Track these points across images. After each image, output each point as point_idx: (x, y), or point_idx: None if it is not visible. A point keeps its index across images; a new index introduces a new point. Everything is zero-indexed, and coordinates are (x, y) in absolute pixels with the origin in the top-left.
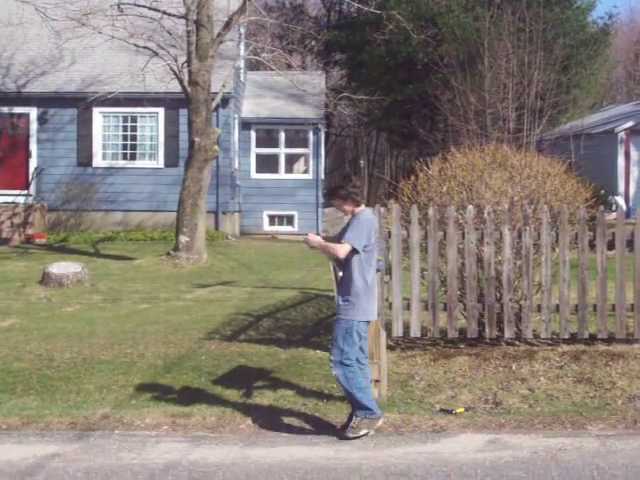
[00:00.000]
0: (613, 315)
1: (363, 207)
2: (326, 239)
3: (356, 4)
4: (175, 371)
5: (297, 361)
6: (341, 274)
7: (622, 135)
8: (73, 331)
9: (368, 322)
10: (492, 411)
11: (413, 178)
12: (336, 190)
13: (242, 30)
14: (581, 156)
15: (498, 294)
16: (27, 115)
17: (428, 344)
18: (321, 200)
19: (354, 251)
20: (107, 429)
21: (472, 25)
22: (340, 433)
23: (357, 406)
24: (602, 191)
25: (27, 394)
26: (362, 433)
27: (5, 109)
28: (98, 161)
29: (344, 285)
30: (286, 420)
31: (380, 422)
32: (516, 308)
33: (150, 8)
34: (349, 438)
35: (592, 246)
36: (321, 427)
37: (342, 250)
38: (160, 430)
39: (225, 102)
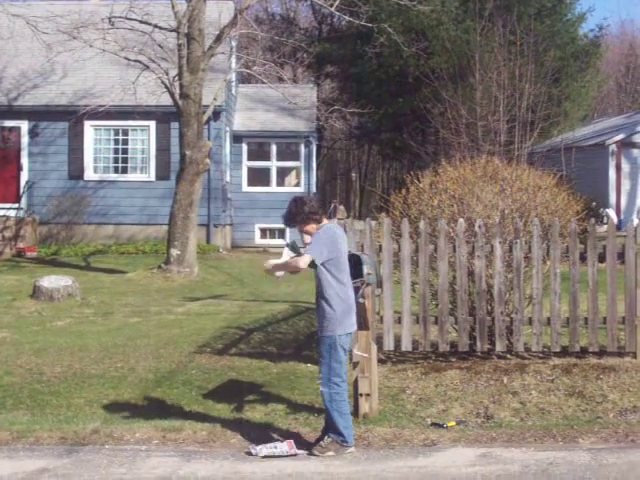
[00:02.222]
0: (604, 328)
1: (325, 221)
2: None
3: (347, 17)
4: (166, 385)
5: (288, 375)
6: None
7: (613, 148)
8: (64, 345)
9: (350, 334)
10: (483, 425)
11: (404, 191)
12: (293, 217)
13: (233, 43)
14: (572, 169)
15: (489, 307)
16: (18, 128)
17: (419, 358)
18: None
19: (313, 265)
20: (97, 444)
21: (462, 38)
22: (311, 448)
23: (332, 429)
24: (593, 204)
25: (17, 408)
26: (328, 454)
27: None
28: (89, 174)
29: (319, 302)
30: (277, 434)
31: (349, 450)
32: (507, 321)
33: (141, 21)
34: (315, 455)
35: (583, 259)
36: (312, 441)
37: (302, 261)
38: (150, 444)
39: (216, 115)
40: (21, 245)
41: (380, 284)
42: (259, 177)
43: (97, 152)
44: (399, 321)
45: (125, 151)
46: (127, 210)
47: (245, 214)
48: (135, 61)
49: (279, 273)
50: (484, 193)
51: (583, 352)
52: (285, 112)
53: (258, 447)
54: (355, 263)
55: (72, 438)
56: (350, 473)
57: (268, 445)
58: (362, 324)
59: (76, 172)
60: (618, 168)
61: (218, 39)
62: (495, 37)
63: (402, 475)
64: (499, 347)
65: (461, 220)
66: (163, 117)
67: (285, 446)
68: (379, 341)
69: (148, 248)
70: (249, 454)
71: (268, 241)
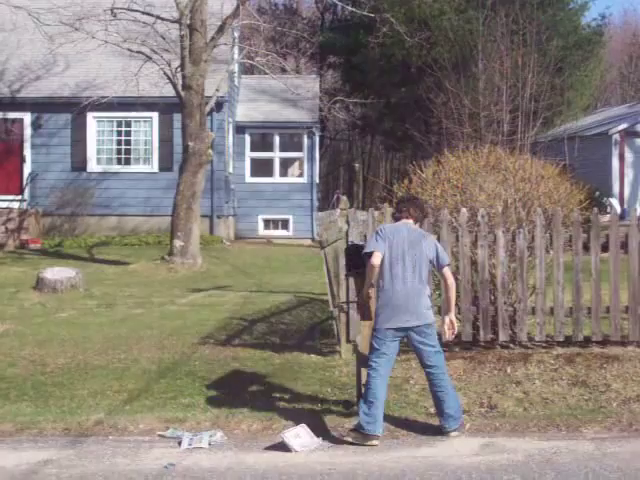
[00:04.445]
0: (607, 317)
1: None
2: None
3: (349, 7)
4: (169, 376)
5: (291, 365)
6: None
7: (616, 137)
8: (67, 336)
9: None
10: (487, 414)
11: (407, 181)
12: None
13: (236, 34)
14: (575, 158)
15: (492, 297)
16: (21, 120)
17: None
18: (316, 204)
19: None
20: (101, 435)
21: (465, 27)
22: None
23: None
24: (597, 193)
25: (21, 400)
26: (347, 439)
27: None
28: (92, 166)
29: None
30: (280, 425)
31: (371, 442)
32: (510, 311)
33: (143, 13)
34: (342, 437)
35: (586, 248)
36: (315, 431)
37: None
38: (154, 435)
39: (219, 106)
40: (24, 237)
41: None
42: (262, 168)
43: (100, 143)
44: None
45: (128, 142)
46: (130, 201)
47: (248, 205)
48: (137, 52)
49: None
50: (487, 183)
51: (586, 341)
52: (288, 103)
53: (287, 434)
54: (358, 253)
55: (76, 429)
56: (353, 463)
57: (292, 432)
58: (365, 314)
59: (79, 164)
60: (621, 157)
61: (220, 30)
62: (498, 27)
63: (405, 465)
64: (502, 337)
65: (464, 210)
66: (166, 108)
67: (307, 436)
68: None
69: (151, 239)
70: (283, 445)
71: (271, 232)
